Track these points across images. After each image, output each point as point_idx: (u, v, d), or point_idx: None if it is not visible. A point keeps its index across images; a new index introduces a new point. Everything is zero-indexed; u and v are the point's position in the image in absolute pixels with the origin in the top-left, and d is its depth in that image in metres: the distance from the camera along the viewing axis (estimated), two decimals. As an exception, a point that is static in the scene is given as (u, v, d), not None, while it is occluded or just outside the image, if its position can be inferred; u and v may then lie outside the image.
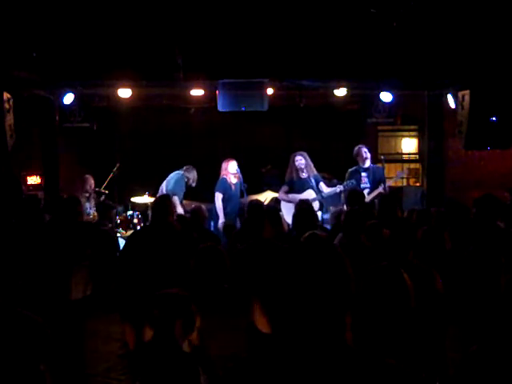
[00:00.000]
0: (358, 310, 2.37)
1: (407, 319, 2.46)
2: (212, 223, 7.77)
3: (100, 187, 8.69)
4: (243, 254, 4.17)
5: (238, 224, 7.40)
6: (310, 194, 7.38)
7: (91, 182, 8.30)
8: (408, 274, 2.57)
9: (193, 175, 8.12)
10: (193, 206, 6.54)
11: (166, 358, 2.51)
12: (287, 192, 7.74)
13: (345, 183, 7.44)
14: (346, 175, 7.65)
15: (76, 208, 5.01)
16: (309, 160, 7.65)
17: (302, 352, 1.58)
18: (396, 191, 8.55)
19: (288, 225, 7.51)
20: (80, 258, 3.62)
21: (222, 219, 7.52)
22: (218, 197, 7.64)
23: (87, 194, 8.15)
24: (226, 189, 7.66)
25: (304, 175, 7.55)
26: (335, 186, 7.63)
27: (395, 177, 7.93)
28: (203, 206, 6.10)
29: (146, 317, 2.68)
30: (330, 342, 1.57)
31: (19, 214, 5.12)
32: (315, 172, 7.68)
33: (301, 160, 7.59)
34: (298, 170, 7.60)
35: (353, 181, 7.43)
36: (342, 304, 1.60)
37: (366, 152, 7.63)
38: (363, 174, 7.64)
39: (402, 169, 10.14)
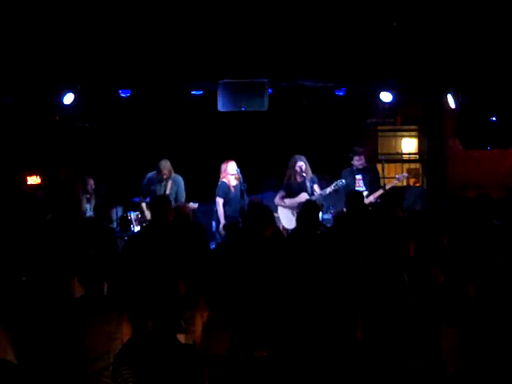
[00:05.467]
0: (366, 308, 2.38)
1: (406, 318, 2.47)
2: (214, 223, 7.75)
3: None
4: (245, 254, 4.16)
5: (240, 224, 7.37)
6: (304, 197, 7.37)
7: (91, 182, 8.28)
8: (411, 273, 2.57)
9: (158, 167, 7.73)
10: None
11: (163, 349, 2.48)
12: (284, 197, 7.72)
13: (335, 183, 7.43)
14: (341, 174, 7.68)
15: (76, 206, 5.01)
16: (307, 164, 7.65)
17: (313, 349, 1.58)
18: (398, 191, 8.53)
19: (285, 229, 7.52)
20: (82, 257, 3.61)
21: (223, 223, 7.49)
22: (219, 202, 7.57)
23: (88, 195, 8.13)
24: (226, 193, 7.61)
25: (302, 179, 7.55)
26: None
27: (395, 180, 7.93)
28: (187, 204, 5.96)
29: (144, 310, 2.66)
30: (340, 339, 1.57)
31: (20, 212, 5.12)
32: (311, 175, 7.67)
33: (302, 164, 7.57)
34: (297, 174, 7.60)
35: (342, 180, 7.42)
36: (352, 302, 1.60)
37: (357, 160, 7.66)
38: (358, 177, 7.68)
39: (402, 171, 10.12)
